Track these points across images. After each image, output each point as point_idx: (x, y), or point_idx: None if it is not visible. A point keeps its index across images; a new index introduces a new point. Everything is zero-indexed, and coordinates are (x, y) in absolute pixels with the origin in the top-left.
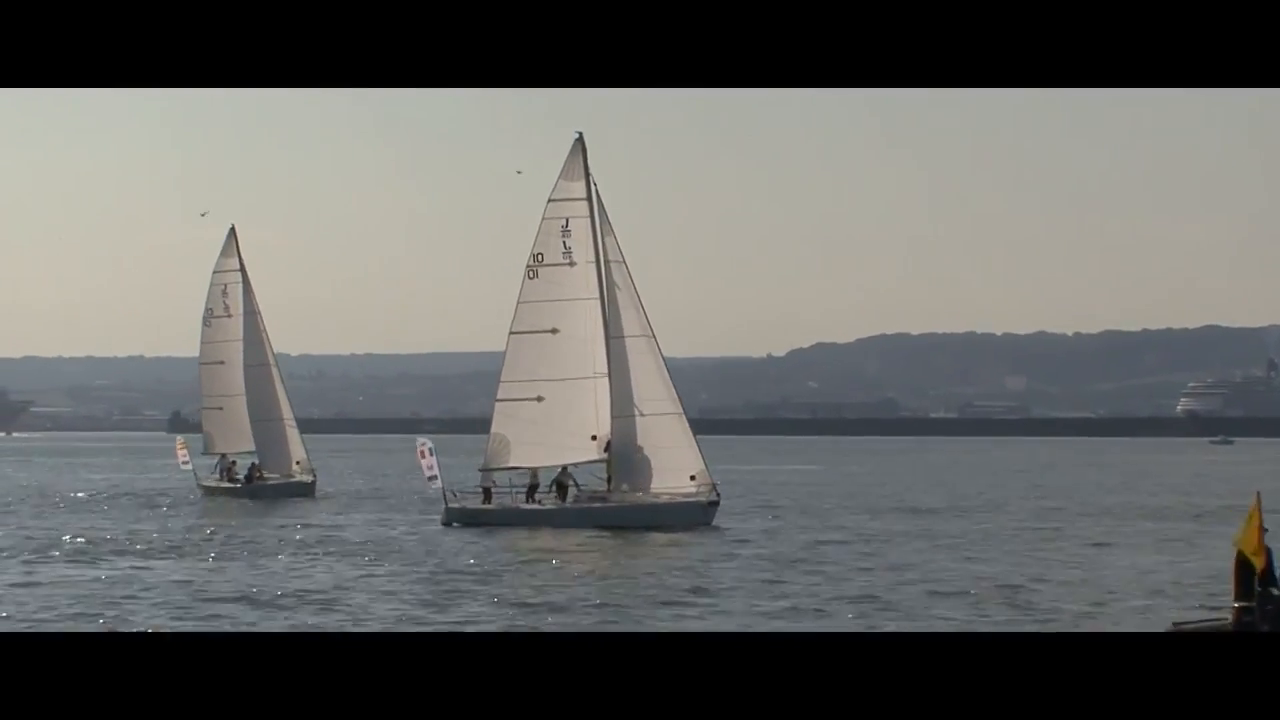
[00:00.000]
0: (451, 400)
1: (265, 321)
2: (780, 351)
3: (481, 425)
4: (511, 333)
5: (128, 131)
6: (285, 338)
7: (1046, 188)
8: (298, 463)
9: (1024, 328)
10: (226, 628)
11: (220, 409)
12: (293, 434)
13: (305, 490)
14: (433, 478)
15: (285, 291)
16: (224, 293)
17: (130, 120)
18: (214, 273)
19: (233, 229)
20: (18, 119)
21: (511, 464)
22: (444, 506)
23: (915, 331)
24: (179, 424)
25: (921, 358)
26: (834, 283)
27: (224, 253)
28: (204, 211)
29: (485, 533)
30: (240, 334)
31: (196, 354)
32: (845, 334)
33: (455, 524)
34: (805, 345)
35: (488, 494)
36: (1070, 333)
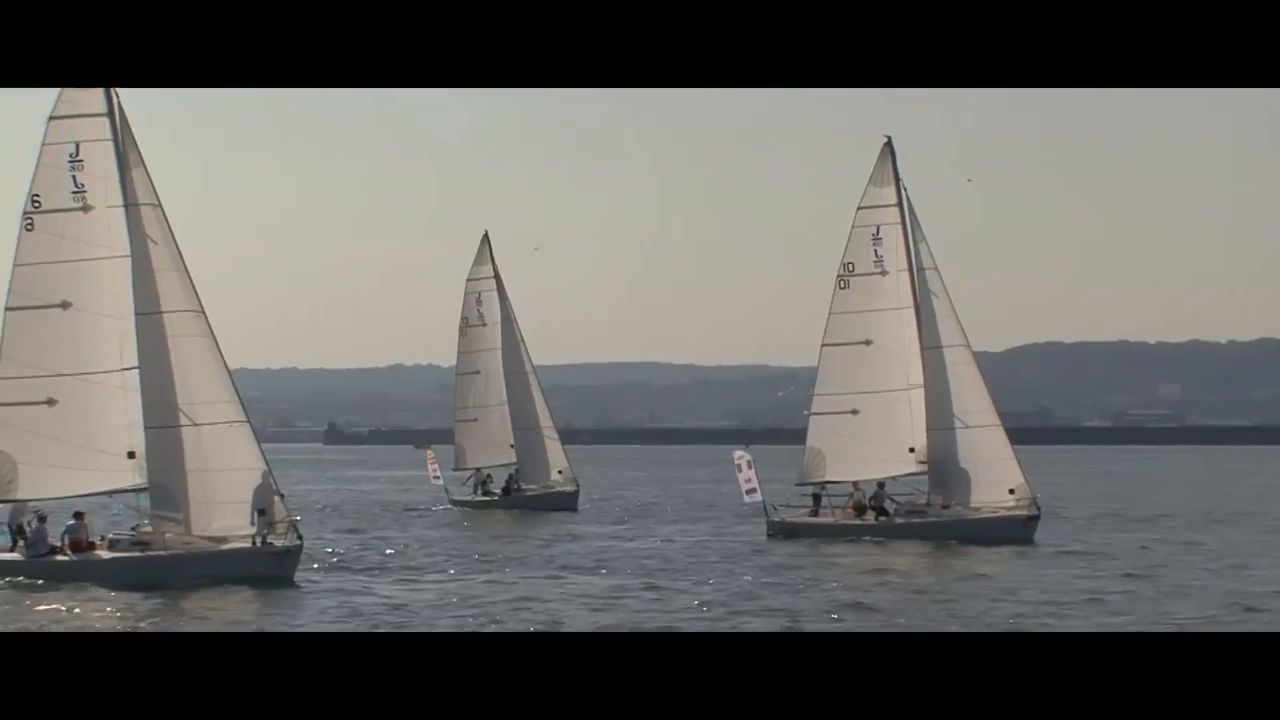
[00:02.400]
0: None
1: (522, 329)
2: None
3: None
4: (824, 345)
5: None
6: (540, 349)
7: (1200, 194)
8: (559, 472)
9: (1177, 336)
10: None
11: (475, 420)
12: (553, 444)
13: (568, 501)
14: (751, 490)
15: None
16: (479, 301)
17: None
18: (468, 281)
19: (486, 235)
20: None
21: (828, 478)
22: (766, 520)
23: (1068, 340)
24: (335, 435)
25: (1074, 366)
26: (986, 292)
27: (478, 260)
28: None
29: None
30: (498, 342)
31: (348, 365)
32: (997, 343)
33: (779, 537)
34: None
35: (817, 503)
36: (1224, 340)
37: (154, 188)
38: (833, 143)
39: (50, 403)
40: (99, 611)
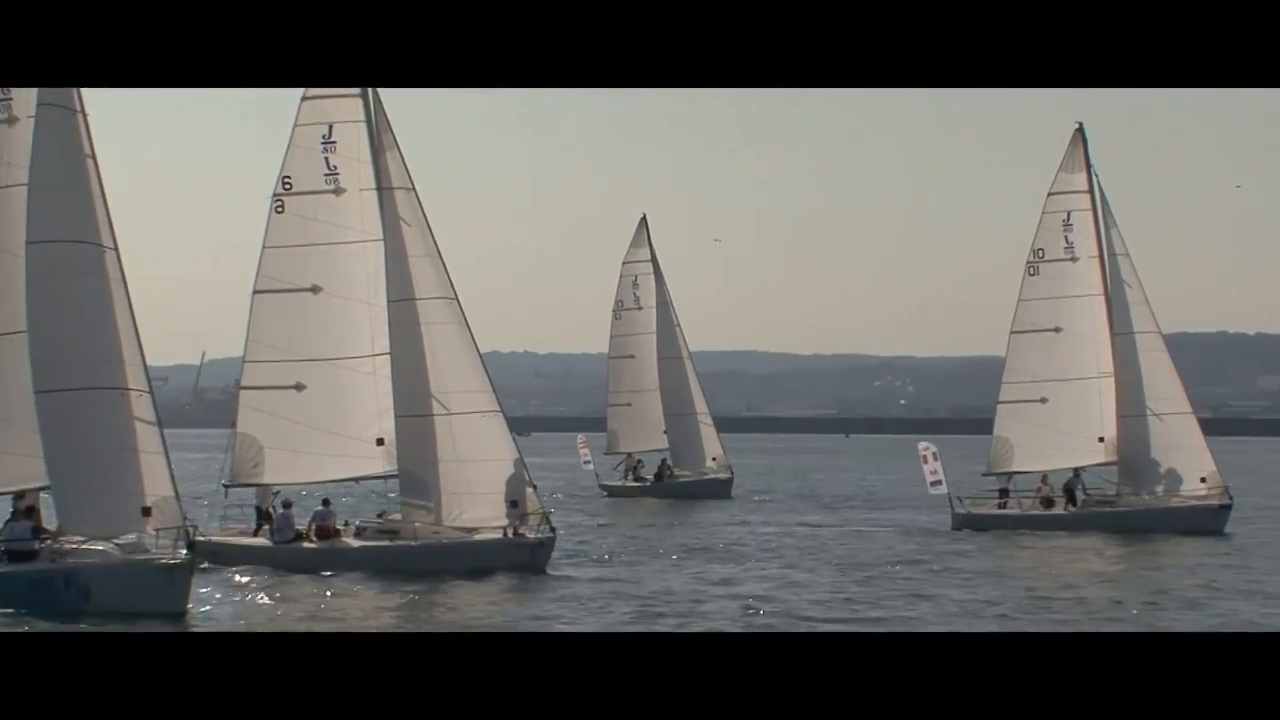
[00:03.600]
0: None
1: (678, 314)
2: None
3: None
4: (1012, 332)
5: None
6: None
7: None
8: (714, 459)
9: (1277, 327)
10: None
11: (629, 405)
12: (708, 430)
13: (722, 489)
14: (936, 482)
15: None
16: (634, 284)
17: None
18: (624, 264)
19: (644, 219)
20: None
21: (1015, 468)
22: (951, 512)
23: (1167, 331)
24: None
25: (1174, 357)
26: None
27: (634, 243)
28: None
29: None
30: (653, 326)
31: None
32: None
33: (965, 529)
34: None
35: (1004, 495)
36: None
37: (407, 171)
38: (924, 134)
39: (299, 387)
40: (348, 600)
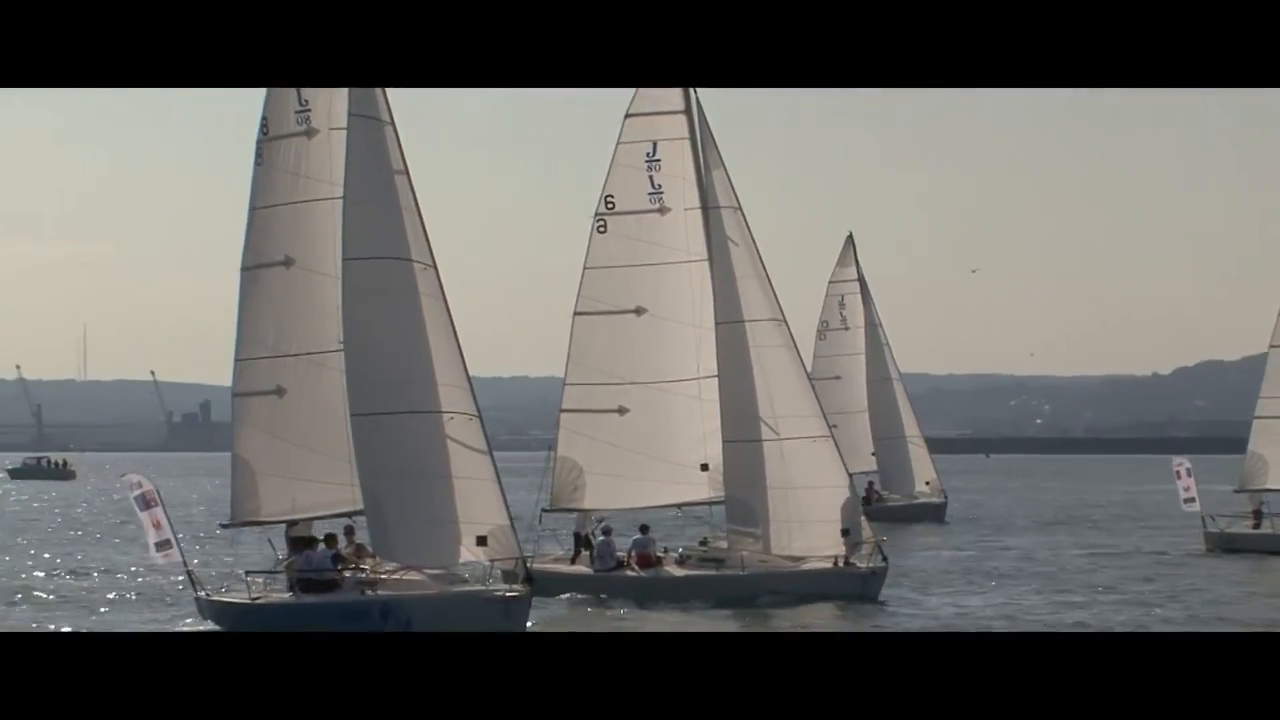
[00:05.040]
0: None
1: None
2: (1166, 370)
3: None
4: (1272, 346)
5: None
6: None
7: None
8: (927, 483)
9: None
10: None
11: (835, 427)
12: (919, 452)
13: (936, 513)
14: (1190, 500)
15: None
16: (841, 304)
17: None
18: (830, 283)
19: (850, 236)
20: None
21: (1270, 485)
22: (1204, 531)
23: None
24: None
25: None
26: (1221, 300)
27: (840, 262)
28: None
29: None
30: (861, 347)
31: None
32: (1232, 351)
33: (1217, 550)
34: (1191, 363)
35: (1257, 518)
36: None
37: (734, 190)
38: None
39: (621, 411)
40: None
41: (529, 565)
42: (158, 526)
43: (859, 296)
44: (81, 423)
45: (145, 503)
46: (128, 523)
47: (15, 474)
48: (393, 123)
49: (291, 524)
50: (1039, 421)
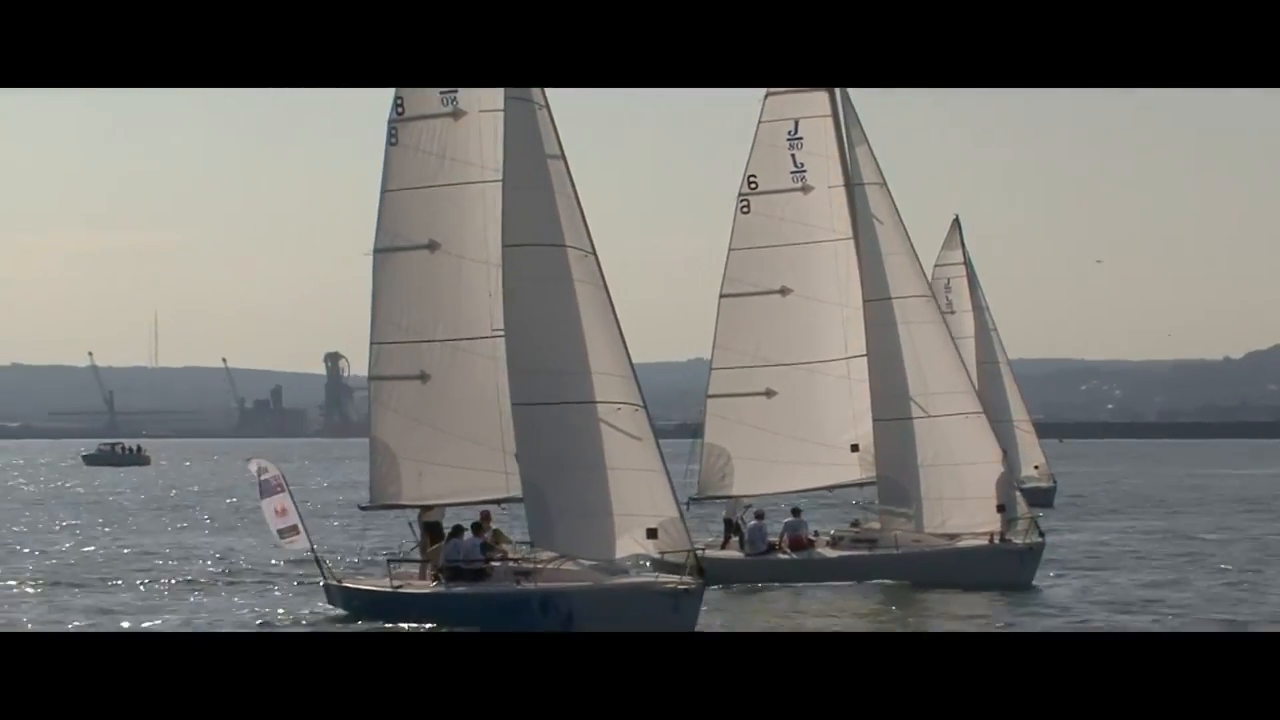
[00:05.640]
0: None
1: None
2: (1237, 354)
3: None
4: None
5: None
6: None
7: None
8: (1035, 467)
9: None
10: None
11: None
12: (1028, 437)
13: (1044, 497)
14: None
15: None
16: (947, 287)
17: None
18: (935, 266)
19: (956, 219)
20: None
21: None
22: None
23: None
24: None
25: None
26: None
27: (946, 245)
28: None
29: None
30: (969, 331)
31: (650, 359)
32: None
33: None
34: (1263, 347)
35: None
36: None
37: (878, 166)
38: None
39: (769, 394)
40: (820, 612)
41: (700, 558)
42: (282, 513)
43: (964, 280)
44: (153, 409)
45: (270, 489)
46: (242, 509)
47: (89, 460)
48: (547, 106)
49: (425, 509)
50: (1110, 406)
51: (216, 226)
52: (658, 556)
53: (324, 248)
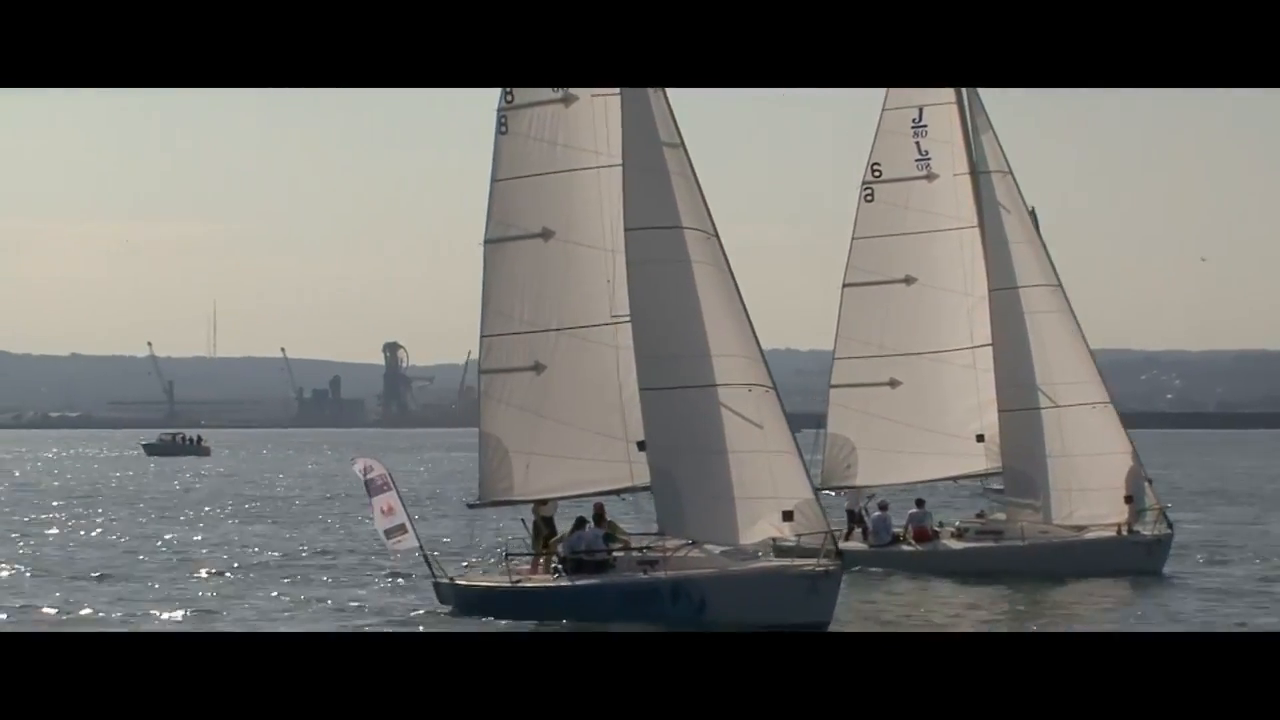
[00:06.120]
0: None
1: None
2: None
3: None
4: None
5: None
6: None
7: None
8: None
9: None
10: None
11: None
12: None
13: None
14: None
15: None
16: None
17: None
18: None
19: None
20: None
21: None
22: None
23: None
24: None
25: None
26: None
27: None
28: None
29: None
30: None
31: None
32: None
33: None
34: None
35: None
36: None
37: (1004, 154)
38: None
39: (893, 384)
40: (943, 606)
41: (837, 540)
42: (389, 512)
43: None
44: (212, 399)
45: (376, 488)
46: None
47: (150, 450)
48: (663, 89)
49: (540, 503)
50: (1170, 396)
51: (276, 217)
52: (794, 540)
53: (384, 238)
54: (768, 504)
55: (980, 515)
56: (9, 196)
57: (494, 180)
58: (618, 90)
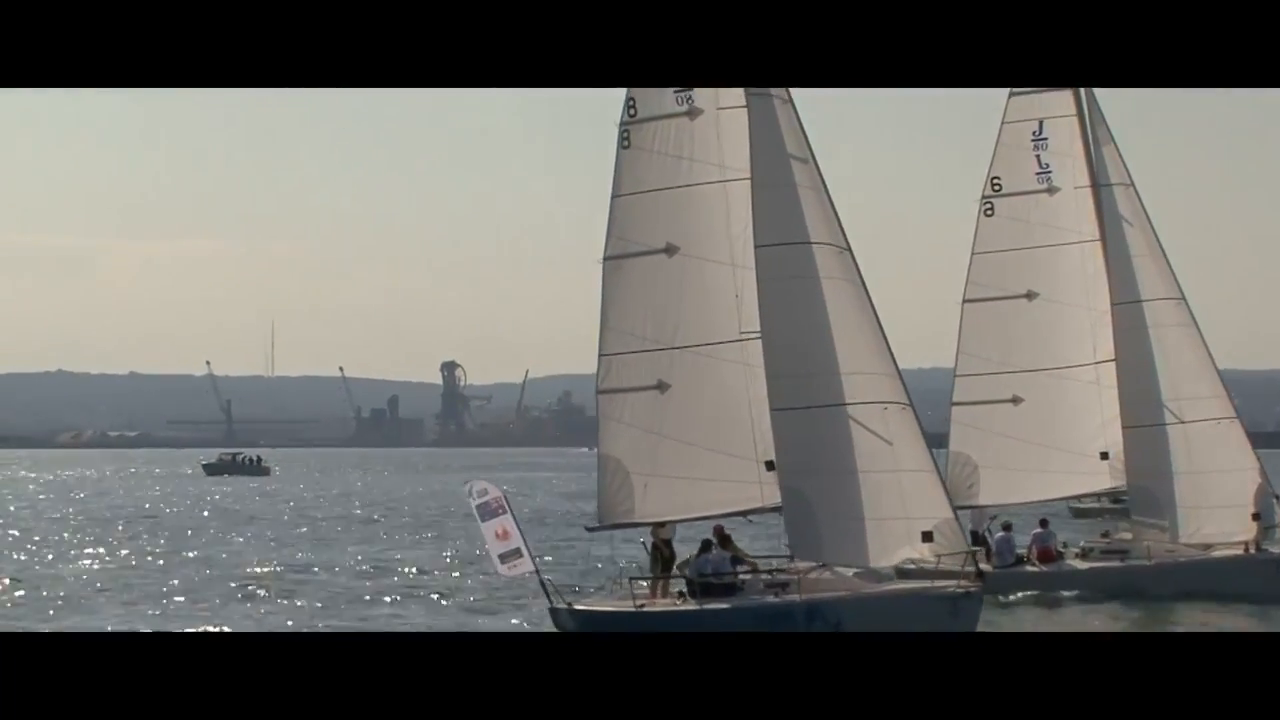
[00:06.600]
0: None
1: None
2: None
3: None
4: None
5: None
6: None
7: None
8: None
9: None
10: None
11: None
12: None
13: None
14: None
15: None
16: None
17: None
18: None
19: None
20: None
21: None
22: None
23: None
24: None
25: None
26: None
27: None
28: None
29: None
30: None
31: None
32: None
33: None
34: None
35: None
36: None
37: (1125, 166)
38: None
39: (1015, 401)
40: (1073, 626)
41: (979, 561)
42: (504, 536)
43: None
44: (270, 418)
45: (490, 511)
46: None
47: (210, 469)
48: (791, 101)
49: (658, 526)
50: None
51: (333, 236)
52: (934, 561)
53: (440, 257)
54: (904, 525)
55: (1105, 535)
56: (68, 215)
57: (614, 195)
58: (743, 103)
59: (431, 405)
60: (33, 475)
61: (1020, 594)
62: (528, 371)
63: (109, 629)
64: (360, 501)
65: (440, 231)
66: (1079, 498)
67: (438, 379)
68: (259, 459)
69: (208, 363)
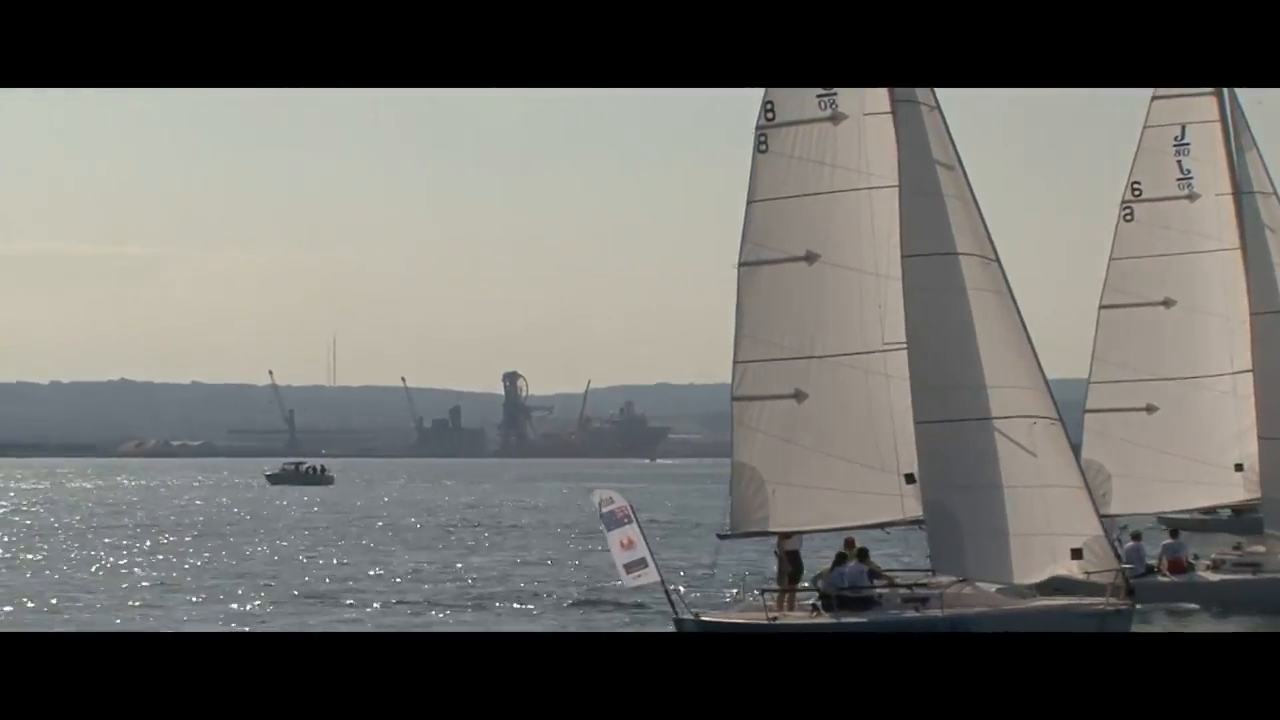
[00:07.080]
0: None
1: None
2: None
3: None
4: None
5: None
6: None
7: None
8: None
9: None
10: None
11: None
12: None
13: None
14: None
15: None
16: None
17: None
18: None
19: None
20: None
21: None
22: None
23: None
24: None
25: None
26: None
27: None
28: None
29: None
30: None
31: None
32: None
33: None
34: None
35: None
36: None
37: (1268, 174)
38: None
39: (1150, 409)
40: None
41: (1129, 578)
42: (629, 545)
43: None
44: (332, 428)
45: (615, 520)
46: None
47: (274, 479)
48: (938, 107)
49: (784, 536)
50: None
51: (395, 246)
52: (1083, 578)
53: (502, 266)
54: (1055, 541)
55: (1237, 547)
56: (133, 225)
57: (750, 201)
58: (888, 109)
59: (494, 415)
60: (99, 483)
61: (1148, 606)
62: (590, 382)
63: (107, 630)
64: (484, 513)
65: (501, 241)
66: (1214, 509)
67: (500, 389)
68: (323, 468)
69: (270, 372)
